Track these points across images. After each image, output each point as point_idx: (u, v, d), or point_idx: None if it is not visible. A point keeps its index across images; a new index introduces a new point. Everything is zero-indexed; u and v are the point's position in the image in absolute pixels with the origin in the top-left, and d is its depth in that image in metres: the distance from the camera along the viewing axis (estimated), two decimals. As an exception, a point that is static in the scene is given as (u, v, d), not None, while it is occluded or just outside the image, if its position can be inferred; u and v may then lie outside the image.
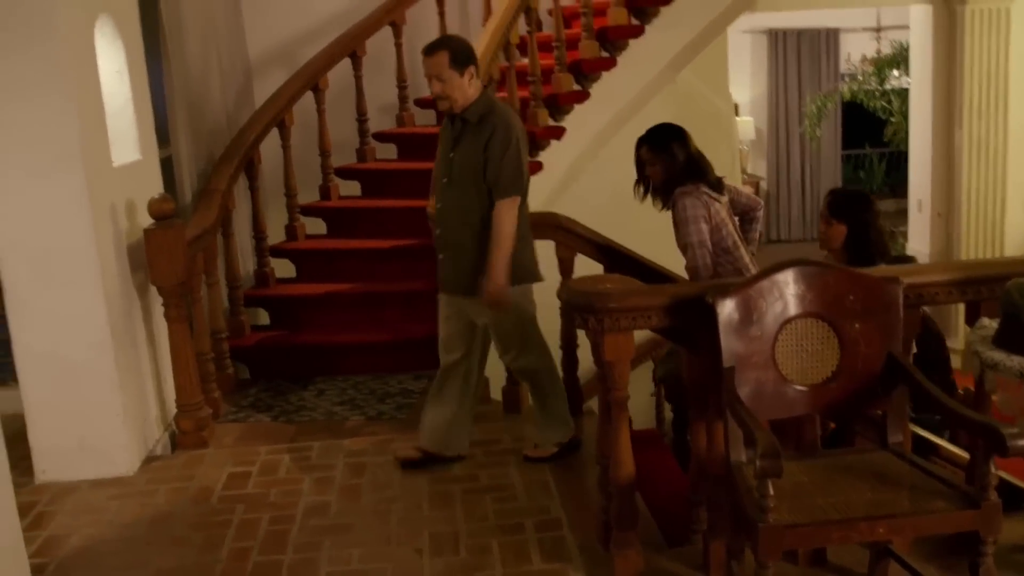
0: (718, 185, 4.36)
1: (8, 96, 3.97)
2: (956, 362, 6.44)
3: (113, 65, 4.43)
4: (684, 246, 4.18)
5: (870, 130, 12.25)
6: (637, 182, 4.50)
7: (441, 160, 4.09)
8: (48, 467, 4.32)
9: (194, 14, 5.87)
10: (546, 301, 4.00)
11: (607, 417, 3.23)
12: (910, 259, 4.71)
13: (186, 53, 5.74)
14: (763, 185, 12.72)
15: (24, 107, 3.98)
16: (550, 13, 6.18)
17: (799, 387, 2.94)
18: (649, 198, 4.55)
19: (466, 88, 3.94)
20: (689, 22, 6.43)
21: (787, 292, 2.93)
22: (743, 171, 11.92)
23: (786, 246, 12.46)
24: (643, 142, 4.42)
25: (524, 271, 4.07)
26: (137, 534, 3.82)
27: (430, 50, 3.95)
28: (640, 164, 4.44)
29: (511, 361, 4.25)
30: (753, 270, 4.21)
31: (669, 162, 4.32)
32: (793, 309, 2.94)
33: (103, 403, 4.25)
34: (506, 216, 3.93)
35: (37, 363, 4.25)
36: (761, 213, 4.68)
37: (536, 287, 4.17)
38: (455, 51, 3.93)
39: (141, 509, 4.01)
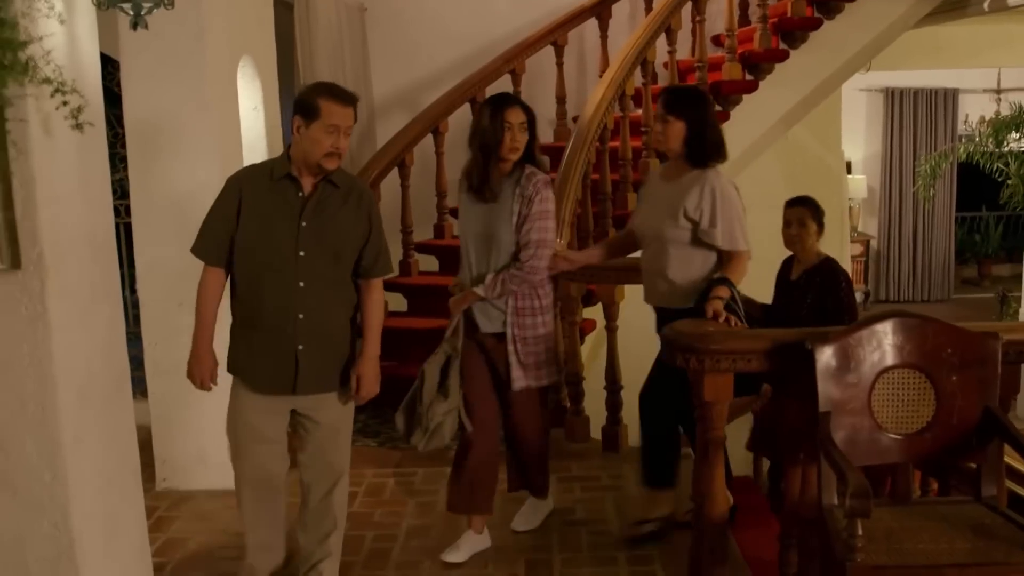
0: None
1: (158, 125, 4.30)
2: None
3: (251, 102, 4.75)
4: (539, 242, 3.70)
5: (987, 193, 12.05)
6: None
7: (279, 229, 3.28)
8: (168, 476, 4.60)
9: (326, 58, 6.21)
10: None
11: (703, 456, 3.33)
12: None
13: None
14: (873, 244, 12.60)
15: (171, 135, 4.30)
16: (665, 66, 6.34)
17: (893, 435, 3.00)
18: None
19: None
20: (802, 80, 6.56)
21: (885, 342, 3.00)
22: (853, 228, 11.84)
23: (895, 306, 12.29)
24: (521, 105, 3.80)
25: None
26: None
27: (353, 99, 3.29)
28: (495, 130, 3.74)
29: (336, 479, 3.50)
30: None
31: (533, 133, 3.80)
32: (891, 359, 3.00)
33: (222, 419, 4.46)
34: (382, 295, 3.53)
35: (164, 379, 4.54)
36: None
37: (643, 325, 4.22)
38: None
39: (253, 520, 4.22)
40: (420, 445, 3.80)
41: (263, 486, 3.51)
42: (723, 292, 3.60)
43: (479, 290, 3.81)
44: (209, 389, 3.44)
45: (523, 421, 3.94)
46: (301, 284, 3.26)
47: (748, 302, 4.28)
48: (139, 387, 4.72)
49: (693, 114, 3.77)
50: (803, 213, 4.28)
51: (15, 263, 2.79)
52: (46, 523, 2.94)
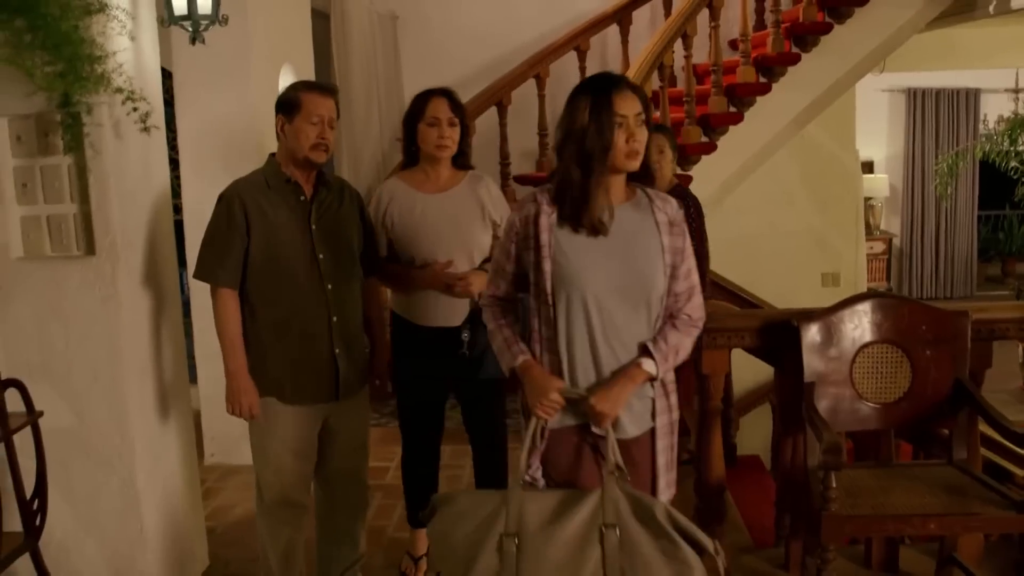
0: None
1: (207, 129, 4.69)
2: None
3: (291, 107, 5.13)
4: (699, 286, 2.79)
5: (1010, 191, 12.22)
6: None
7: (294, 237, 3.19)
8: (216, 451, 5.00)
9: (361, 64, 6.58)
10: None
11: (703, 424, 3.65)
12: None
13: (352, 98, 6.44)
14: (896, 242, 12.82)
15: (219, 138, 4.68)
16: (683, 69, 6.65)
17: (872, 404, 3.32)
18: None
19: None
20: (814, 82, 6.83)
21: (865, 320, 3.33)
22: (875, 227, 12.07)
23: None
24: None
25: None
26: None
27: (332, 91, 3.30)
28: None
29: (364, 491, 3.71)
30: None
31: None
32: (870, 335, 3.33)
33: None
34: (380, 289, 3.58)
35: (211, 362, 4.90)
36: None
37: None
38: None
39: (295, 490, 4.59)
40: None
41: (290, 509, 3.41)
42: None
43: (648, 366, 2.59)
44: (258, 415, 3.26)
45: None
46: (329, 287, 3.21)
47: None
48: (191, 374, 5.13)
49: (464, 118, 3.66)
50: (662, 140, 4.39)
51: (90, 250, 3.19)
52: (116, 479, 3.33)
